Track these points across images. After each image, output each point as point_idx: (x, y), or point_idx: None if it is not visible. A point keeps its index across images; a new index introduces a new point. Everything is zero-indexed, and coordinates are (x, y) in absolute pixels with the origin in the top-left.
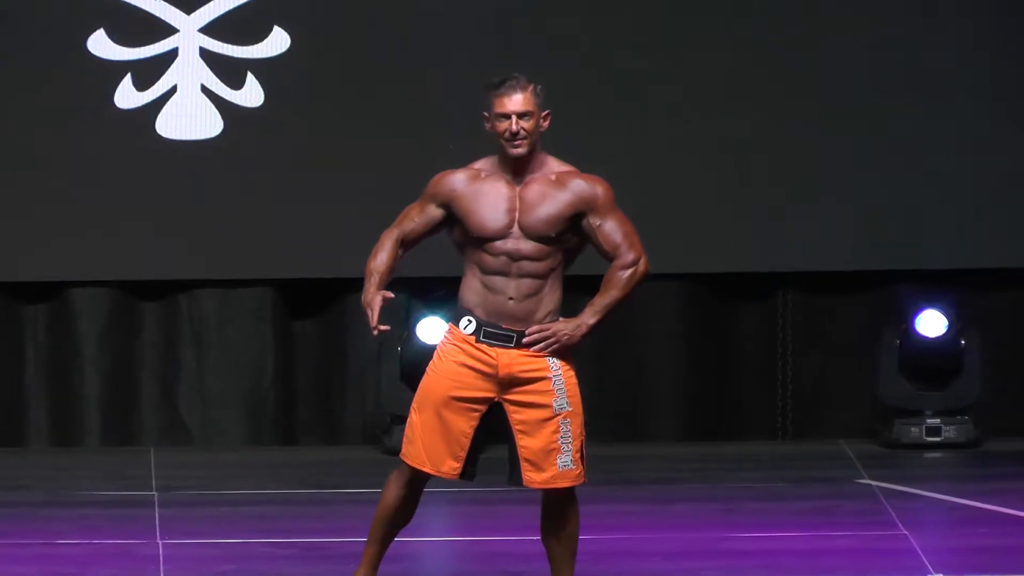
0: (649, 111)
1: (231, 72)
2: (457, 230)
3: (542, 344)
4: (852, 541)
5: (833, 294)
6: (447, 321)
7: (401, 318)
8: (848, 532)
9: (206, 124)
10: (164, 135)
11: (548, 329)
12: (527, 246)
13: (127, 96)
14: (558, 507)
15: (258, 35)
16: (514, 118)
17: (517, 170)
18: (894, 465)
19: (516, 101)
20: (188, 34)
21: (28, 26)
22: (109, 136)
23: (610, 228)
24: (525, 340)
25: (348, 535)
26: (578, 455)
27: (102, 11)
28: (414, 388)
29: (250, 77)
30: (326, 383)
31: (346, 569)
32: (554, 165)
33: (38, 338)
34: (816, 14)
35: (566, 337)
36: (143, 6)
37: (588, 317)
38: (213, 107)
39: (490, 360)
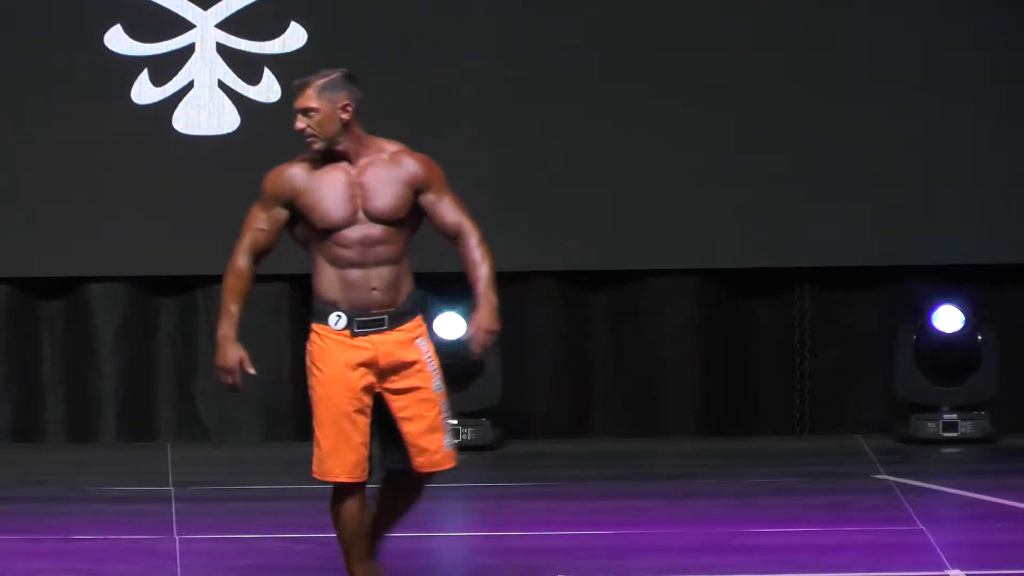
0: (666, 108)
1: (248, 67)
2: (300, 227)
3: (486, 343)
4: (869, 536)
5: (850, 289)
6: (462, 316)
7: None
8: (865, 527)
9: (223, 119)
10: (181, 130)
11: (481, 330)
12: (376, 231)
13: (144, 91)
14: (419, 487)
15: (275, 30)
16: (299, 116)
17: (348, 157)
18: (911, 460)
19: (300, 99)
20: (205, 29)
21: (45, 21)
22: (126, 131)
23: (448, 204)
24: (475, 355)
25: None
26: (451, 433)
27: (119, 6)
28: None
29: (267, 72)
30: None
31: None
32: (386, 145)
33: (55, 334)
34: (833, 12)
35: (495, 325)
36: (160, 1)
37: (492, 297)
38: (230, 102)
39: (367, 351)
